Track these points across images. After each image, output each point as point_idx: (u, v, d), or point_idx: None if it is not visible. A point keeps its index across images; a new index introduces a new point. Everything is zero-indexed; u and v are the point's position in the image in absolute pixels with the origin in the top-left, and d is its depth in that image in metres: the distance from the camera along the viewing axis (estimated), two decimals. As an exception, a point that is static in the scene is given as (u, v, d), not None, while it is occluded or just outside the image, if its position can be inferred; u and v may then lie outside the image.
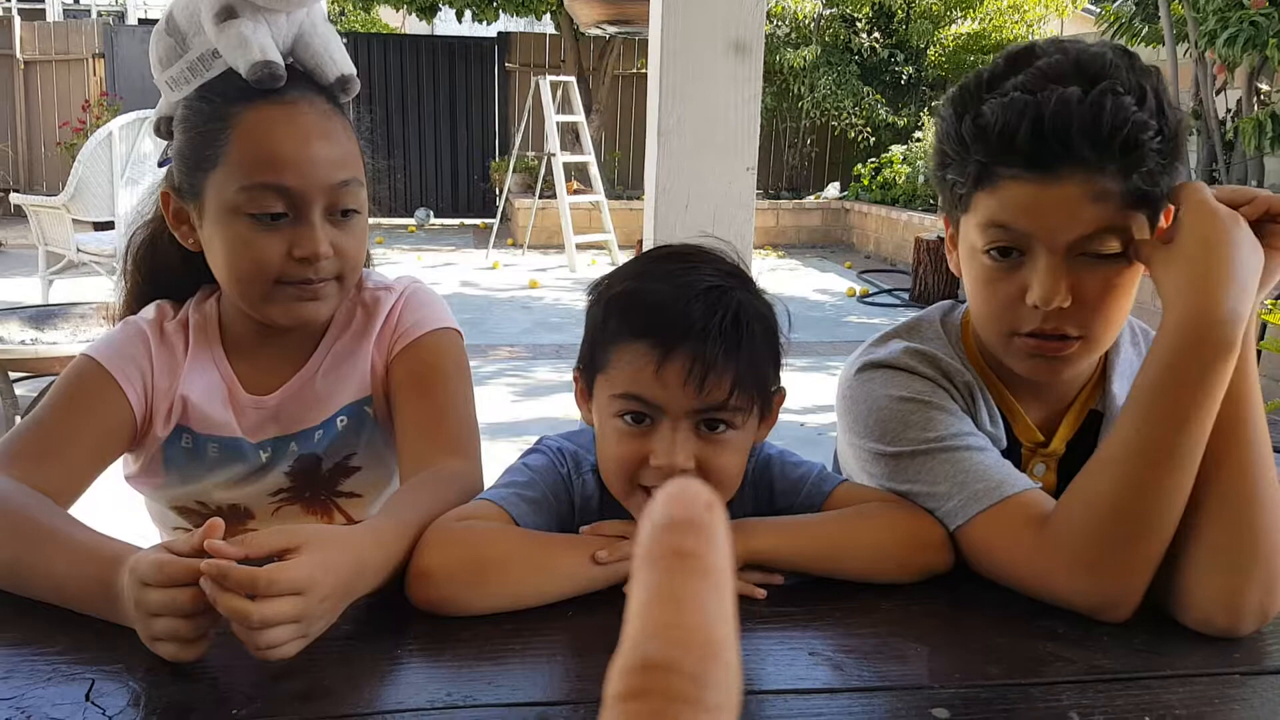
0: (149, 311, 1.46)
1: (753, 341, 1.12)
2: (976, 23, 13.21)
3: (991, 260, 1.21)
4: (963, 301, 1.41)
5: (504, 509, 1.18)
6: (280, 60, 1.32)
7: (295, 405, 1.46)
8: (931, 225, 10.22)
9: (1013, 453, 1.32)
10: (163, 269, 1.50)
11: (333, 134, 1.34)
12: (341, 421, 1.47)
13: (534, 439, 1.35)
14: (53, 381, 1.38)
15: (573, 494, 1.26)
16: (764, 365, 1.15)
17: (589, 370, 1.19)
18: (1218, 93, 7.12)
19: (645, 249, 1.22)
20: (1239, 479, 1.11)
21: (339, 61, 1.39)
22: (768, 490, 1.29)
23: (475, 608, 1.09)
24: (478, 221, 13.94)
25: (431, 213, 13.98)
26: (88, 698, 0.92)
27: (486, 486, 1.27)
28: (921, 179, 11.43)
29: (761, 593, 1.14)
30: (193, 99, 1.36)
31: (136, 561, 0.97)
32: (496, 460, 1.33)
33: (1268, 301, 3.71)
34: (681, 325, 1.08)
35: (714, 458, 1.13)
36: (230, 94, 1.34)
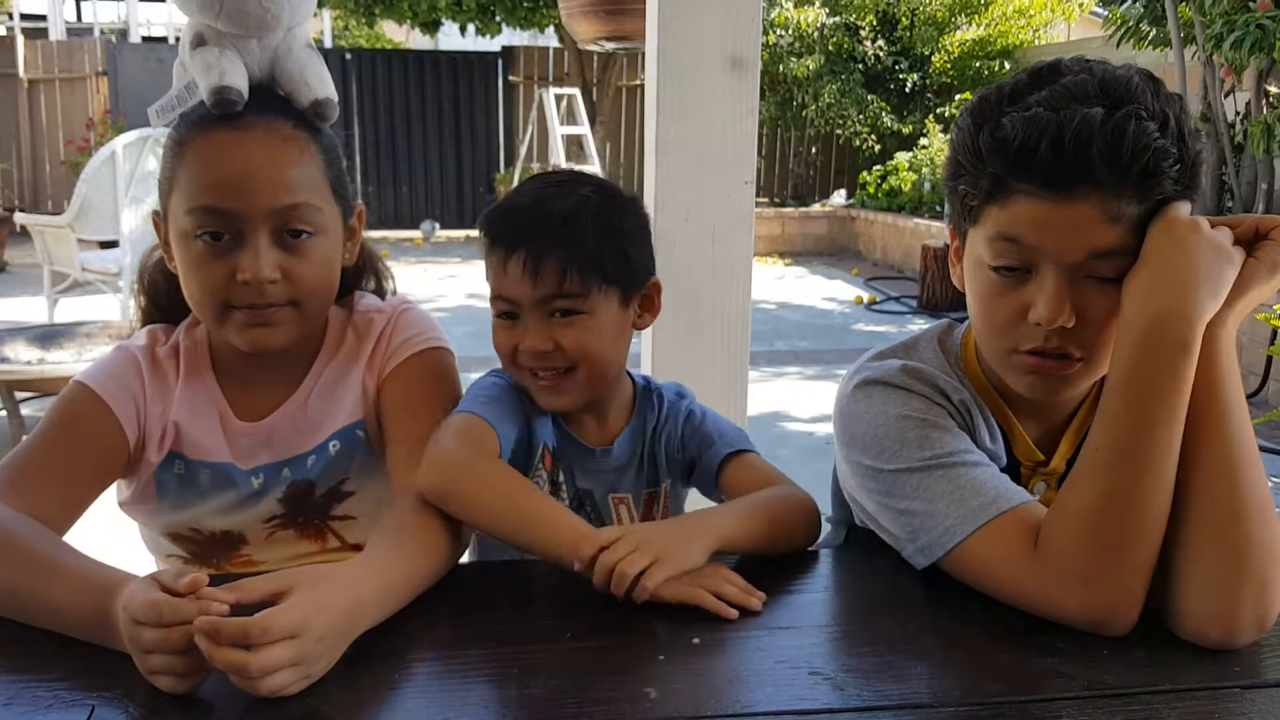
0: (141, 337, 1.47)
1: (582, 234, 1.31)
2: (981, 28, 13.17)
3: (997, 275, 1.21)
4: (963, 320, 1.41)
5: (488, 423, 1.33)
6: (240, 85, 1.33)
7: (287, 431, 1.46)
8: (938, 232, 10.21)
9: (1012, 471, 1.32)
10: (163, 293, 1.52)
11: (284, 157, 1.34)
12: (334, 446, 1.47)
13: None
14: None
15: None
16: (599, 254, 1.32)
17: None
18: (1226, 95, 7.10)
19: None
20: (1223, 490, 1.10)
21: (313, 86, 1.39)
22: (696, 426, 1.48)
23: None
24: (484, 233, 13.95)
25: (437, 225, 14.01)
26: (87, 724, 0.92)
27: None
28: (928, 186, 11.42)
29: (758, 605, 1.16)
30: (171, 127, 1.38)
31: (129, 599, 0.98)
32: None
33: (1277, 307, 3.69)
34: (517, 227, 1.32)
35: (567, 339, 1.33)
36: (191, 120, 1.35)
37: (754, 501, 1.34)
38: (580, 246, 1.31)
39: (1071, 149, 1.11)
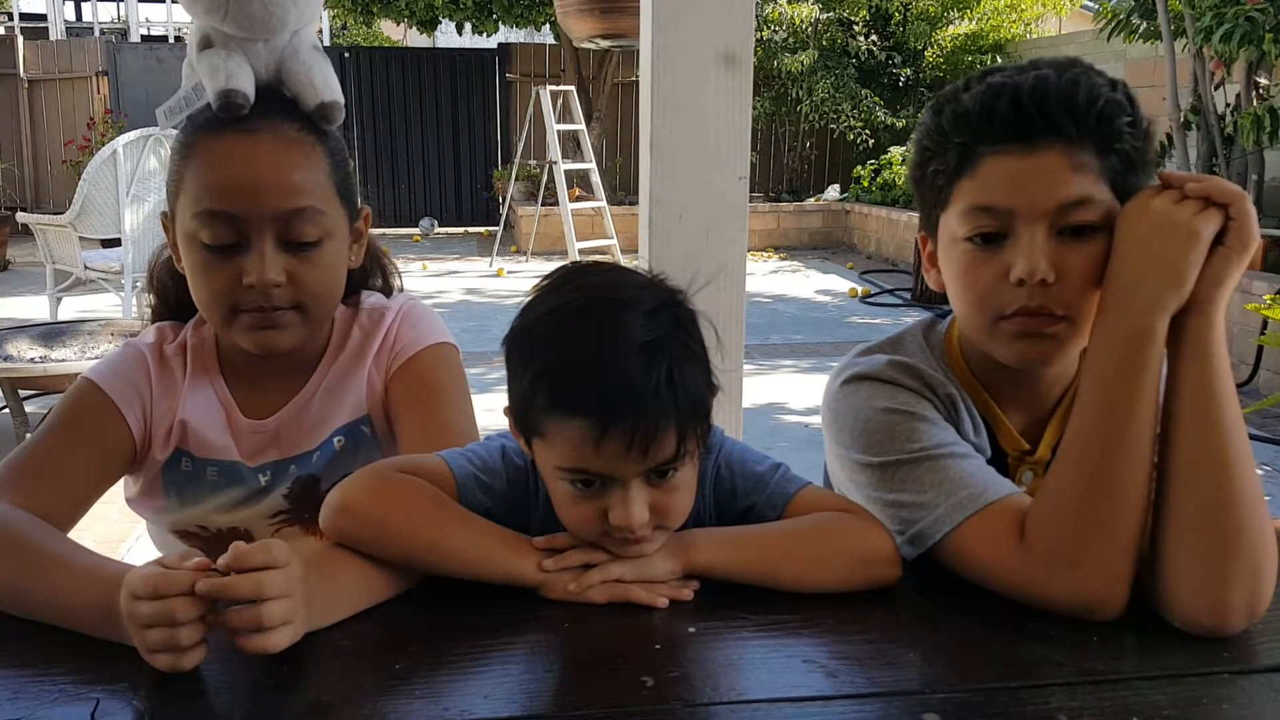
0: (149, 335, 1.48)
1: (689, 389, 1.07)
2: (974, 23, 13.17)
3: (973, 246, 1.23)
4: (945, 315, 1.42)
5: (455, 478, 1.20)
6: (247, 88, 1.33)
7: (293, 428, 1.47)
8: (934, 225, 10.21)
9: (999, 462, 1.33)
10: (172, 292, 1.53)
11: (290, 161, 1.34)
12: (338, 442, 1.48)
13: None
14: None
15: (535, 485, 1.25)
16: (703, 400, 1.11)
17: (522, 427, 1.15)
18: (1216, 88, 7.12)
19: (563, 270, 1.16)
20: (1213, 479, 1.11)
21: (319, 89, 1.39)
22: (729, 487, 1.27)
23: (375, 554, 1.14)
24: (482, 230, 13.98)
25: (436, 222, 14.03)
26: (93, 717, 0.93)
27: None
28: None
29: (688, 595, 1.15)
30: (179, 128, 1.39)
31: (130, 577, 0.99)
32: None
33: (1266, 297, 3.70)
34: (616, 399, 1.04)
35: (667, 501, 1.12)
36: (198, 123, 1.36)
37: (761, 528, 1.22)
38: (691, 403, 1.08)
39: (1030, 101, 1.17)
